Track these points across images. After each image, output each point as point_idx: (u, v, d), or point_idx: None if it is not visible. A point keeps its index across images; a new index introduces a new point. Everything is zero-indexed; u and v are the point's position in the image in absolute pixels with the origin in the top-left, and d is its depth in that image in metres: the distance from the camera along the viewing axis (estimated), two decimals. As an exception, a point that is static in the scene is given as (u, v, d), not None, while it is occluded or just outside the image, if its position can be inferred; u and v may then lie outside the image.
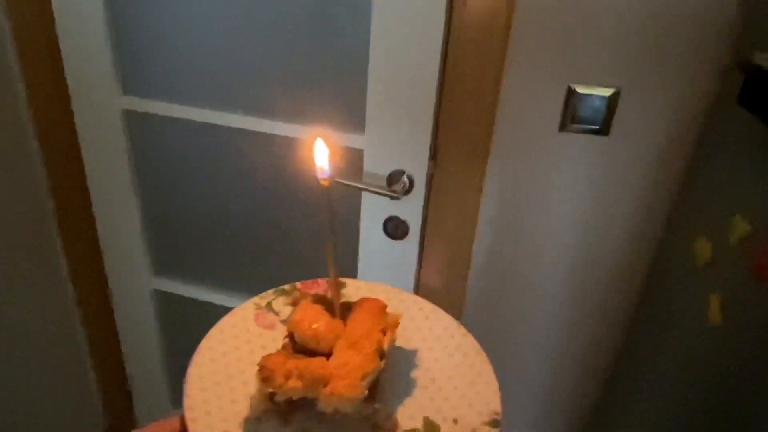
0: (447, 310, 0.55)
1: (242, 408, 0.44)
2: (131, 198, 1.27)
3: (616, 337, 1.07)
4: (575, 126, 0.89)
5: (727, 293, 0.65)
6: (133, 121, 1.19)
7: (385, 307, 0.48)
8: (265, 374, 0.42)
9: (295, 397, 0.43)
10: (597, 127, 0.88)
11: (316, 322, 0.46)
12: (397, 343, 0.51)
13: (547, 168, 0.95)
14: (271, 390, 0.42)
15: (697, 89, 0.83)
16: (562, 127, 0.91)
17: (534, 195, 0.98)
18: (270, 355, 0.44)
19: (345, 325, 0.47)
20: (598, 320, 1.07)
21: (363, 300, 0.49)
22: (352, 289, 0.57)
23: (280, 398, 0.42)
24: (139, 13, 1.06)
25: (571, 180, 0.95)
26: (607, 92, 0.85)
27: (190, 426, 0.41)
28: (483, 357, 0.49)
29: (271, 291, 0.55)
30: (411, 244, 1.04)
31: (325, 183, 0.43)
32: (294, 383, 0.42)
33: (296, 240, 1.18)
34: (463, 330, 0.52)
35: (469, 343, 0.51)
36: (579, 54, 0.85)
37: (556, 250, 1.02)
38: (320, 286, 0.56)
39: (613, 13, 0.81)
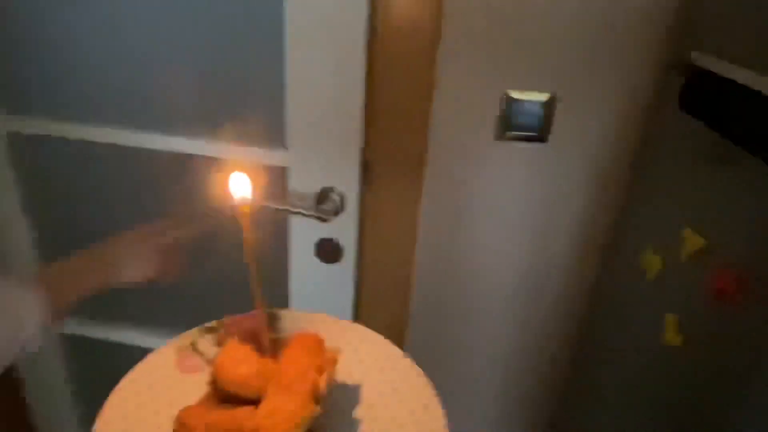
0: (389, 331, 0.52)
1: (159, 472, 0.38)
2: (23, 228, 1.12)
3: (566, 353, 1.06)
4: (512, 133, 0.88)
5: (684, 313, 0.63)
6: (18, 143, 1.06)
7: (323, 341, 0.44)
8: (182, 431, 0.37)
9: (219, 456, 0.37)
10: (534, 133, 0.87)
11: (244, 365, 0.41)
12: (339, 376, 0.46)
13: (486, 178, 0.93)
14: (190, 450, 0.37)
15: (635, 92, 0.84)
16: (499, 135, 0.89)
17: (474, 206, 0.95)
18: (189, 407, 0.38)
19: (276, 365, 0.42)
20: (548, 334, 1.06)
21: (297, 335, 0.44)
22: (288, 321, 0.52)
23: (202, 458, 0.37)
24: (24, 26, 0.95)
25: (511, 189, 0.93)
26: (542, 97, 0.85)
27: None
28: (429, 390, 0.45)
29: (195, 329, 0.50)
30: (346, 266, 0.97)
31: (245, 210, 0.38)
32: (217, 440, 0.36)
33: (220, 268, 1.09)
34: (408, 360, 0.48)
35: (414, 373, 0.47)
36: (513, 60, 0.83)
37: (499, 263, 0.99)
38: (252, 321, 0.51)
39: (545, 17, 0.80)
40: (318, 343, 0.43)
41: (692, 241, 0.60)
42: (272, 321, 0.51)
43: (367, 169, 0.91)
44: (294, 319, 0.52)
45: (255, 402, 0.39)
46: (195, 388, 0.44)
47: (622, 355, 0.82)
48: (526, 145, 0.89)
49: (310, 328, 0.50)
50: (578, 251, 0.99)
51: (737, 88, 0.54)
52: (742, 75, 0.54)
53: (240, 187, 0.38)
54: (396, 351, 0.49)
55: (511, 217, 0.96)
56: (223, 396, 0.41)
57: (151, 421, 0.41)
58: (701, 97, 0.61)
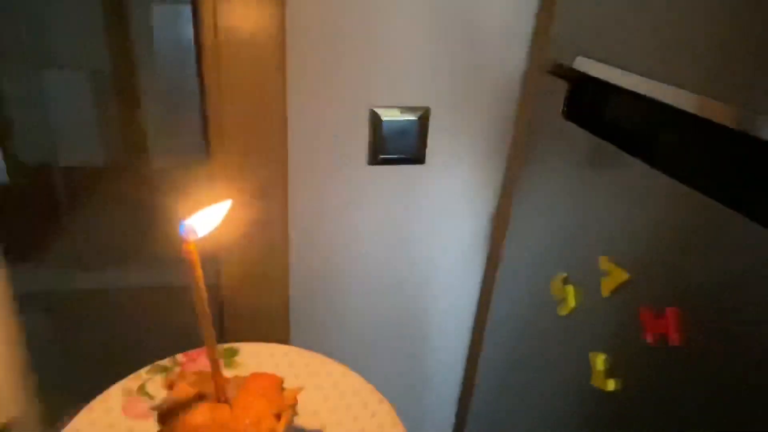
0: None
1: None
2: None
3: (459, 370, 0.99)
4: (384, 156, 0.80)
5: (613, 352, 0.55)
6: None
7: (281, 382, 0.41)
8: (120, 497, 0.33)
9: None
10: (408, 156, 0.80)
11: (195, 415, 0.37)
12: (302, 418, 0.43)
13: (357, 205, 0.82)
14: None
15: (510, 104, 0.78)
16: (372, 158, 0.81)
17: (345, 237, 0.85)
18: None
19: (231, 411, 0.38)
20: (438, 360, 1.00)
21: (253, 376, 0.41)
22: (247, 356, 0.48)
23: None
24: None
25: (386, 216, 0.84)
26: (413, 116, 0.76)
27: None
28: (400, 428, 0.42)
29: (144, 369, 0.46)
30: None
31: (190, 247, 0.34)
32: (160, 504, 0.33)
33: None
34: (378, 395, 0.45)
35: (385, 410, 0.44)
36: (378, 77, 0.74)
37: (375, 298, 0.90)
38: (203, 363, 0.47)
39: (405, 29, 0.72)
40: (276, 385, 0.40)
41: (614, 275, 0.54)
42: (229, 355, 0.47)
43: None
44: (254, 353, 0.48)
45: (206, 454, 0.36)
46: (144, 436, 0.41)
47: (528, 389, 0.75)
48: (402, 167, 0.81)
49: (270, 364, 0.47)
50: (464, 284, 0.93)
51: (616, 90, 0.53)
52: (617, 77, 0.53)
53: (190, 226, 0.35)
54: (366, 386, 0.46)
55: (386, 247, 0.88)
56: (172, 447, 0.37)
57: (91, 478, 0.37)
58: (584, 102, 0.59)
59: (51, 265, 1.97)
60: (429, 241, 0.88)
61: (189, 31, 2.28)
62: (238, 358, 0.48)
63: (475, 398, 0.93)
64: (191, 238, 0.35)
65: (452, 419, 1.07)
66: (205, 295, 0.37)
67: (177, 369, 0.46)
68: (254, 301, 0.87)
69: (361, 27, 0.72)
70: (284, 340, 0.90)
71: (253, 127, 0.75)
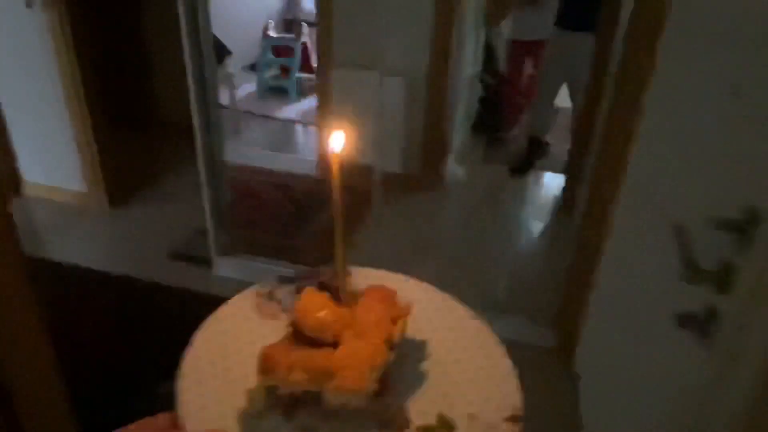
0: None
1: (241, 403, 0.40)
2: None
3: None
4: None
5: None
6: None
7: (395, 295, 0.45)
8: (266, 366, 0.39)
9: (298, 391, 0.39)
10: None
11: (322, 311, 0.43)
12: (407, 334, 0.47)
13: None
14: (272, 383, 0.39)
15: None
16: None
17: None
18: (272, 345, 0.41)
19: (352, 314, 0.43)
20: None
21: (372, 288, 0.45)
22: (359, 277, 0.53)
23: (282, 392, 0.39)
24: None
25: None
26: None
27: (185, 423, 0.37)
28: (501, 350, 0.46)
29: (272, 278, 0.52)
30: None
31: (336, 161, 0.39)
32: (297, 376, 0.38)
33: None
34: (478, 321, 0.49)
35: (485, 334, 0.48)
36: None
37: None
38: (327, 273, 0.53)
39: None
40: (391, 296, 0.45)
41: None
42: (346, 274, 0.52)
43: None
44: (365, 276, 0.53)
45: (331, 346, 0.41)
46: (272, 331, 0.47)
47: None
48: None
49: (383, 284, 0.52)
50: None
51: None
52: None
53: (336, 142, 0.39)
54: (468, 312, 0.49)
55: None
56: (302, 339, 0.43)
57: (232, 358, 0.44)
58: None
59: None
60: None
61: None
62: (351, 278, 0.53)
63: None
64: (335, 150, 0.39)
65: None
66: (340, 203, 0.41)
67: (300, 280, 0.51)
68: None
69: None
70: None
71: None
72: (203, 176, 2.31)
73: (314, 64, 4.49)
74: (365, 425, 0.40)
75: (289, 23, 5.22)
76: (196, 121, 2.18)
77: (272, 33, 4.88)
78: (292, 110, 4.56)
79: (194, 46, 2.06)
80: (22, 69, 2.78)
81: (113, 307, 2.40)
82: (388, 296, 0.44)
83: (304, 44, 4.76)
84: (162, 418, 0.37)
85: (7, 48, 2.76)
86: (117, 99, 3.51)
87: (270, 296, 0.51)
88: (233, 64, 4.36)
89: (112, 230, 3.01)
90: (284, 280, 0.52)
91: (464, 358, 0.46)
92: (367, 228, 2.89)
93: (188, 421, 0.37)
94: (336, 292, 0.46)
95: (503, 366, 0.45)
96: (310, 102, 4.48)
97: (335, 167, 0.39)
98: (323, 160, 3.21)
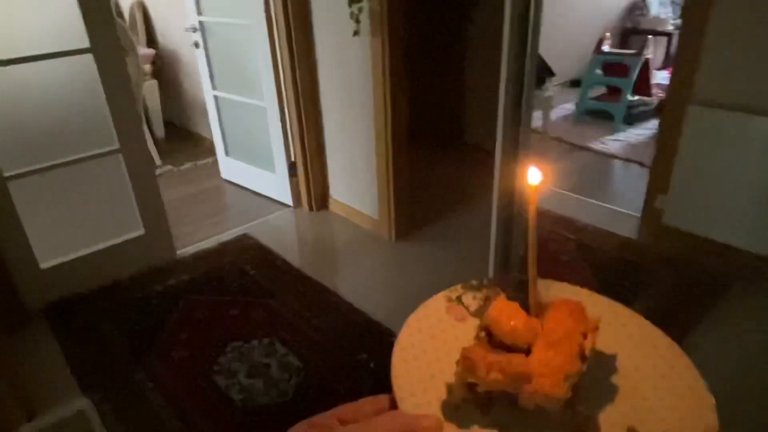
0: None
1: (442, 394, 0.46)
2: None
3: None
4: None
5: None
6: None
7: (585, 309, 0.47)
8: (468, 364, 0.44)
9: (495, 390, 0.44)
10: None
11: (514, 319, 0.47)
12: (596, 348, 0.49)
13: None
14: (472, 380, 0.44)
15: None
16: None
17: None
18: (472, 346, 0.46)
19: (542, 324, 0.47)
20: None
21: (562, 300, 0.48)
22: (541, 289, 0.56)
23: (481, 389, 0.44)
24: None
25: None
26: None
27: (399, 405, 0.44)
28: (694, 372, 0.46)
29: (459, 285, 0.57)
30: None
31: (534, 188, 0.43)
32: (496, 376, 0.43)
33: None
34: (668, 340, 0.49)
35: (676, 353, 0.48)
36: None
37: None
38: (507, 282, 0.56)
39: None
40: (581, 310, 0.47)
41: None
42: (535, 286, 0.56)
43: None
44: (546, 286, 0.56)
45: (523, 353, 0.45)
46: (462, 333, 0.52)
47: None
48: None
49: (565, 296, 0.54)
50: None
51: None
52: None
53: (534, 175, 0.44)
54: (655, 331, 0.50)
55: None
56: (494, 344, 0.47)
57: (432, 354, 0.50)
58: None
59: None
60: None
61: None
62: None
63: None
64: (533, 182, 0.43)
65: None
66: (535, 224, 0.45)
67: (486, 289, 0.56)
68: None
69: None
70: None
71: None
72: (495, 215, 1.86)
73: (653, 86, 3.72)
74: (556, 430, 0.43)
75: (627, 34, 4.41)
76: (498, 154, 1.79)
77: (606, 47, 4.11)
78: (614, 142, 3.66)
79: (516, 72, 1.70)
80: (345, 90, 3.02)
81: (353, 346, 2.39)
82: (578, 310, 0.47)
83: (646, 61, 3.90)
84: (383, 399, 0.44)
85: (337, 72, 3.01)
86: (422, 121, 3.47)
87: (458, 300, 0.56)
88: (553, 81, 3.75)
89: (389, 263, 3.01)
90: (471, 287, 0.57)
91: (654, 375, 0.46)
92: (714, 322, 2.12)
93: (402, 404, 0.44)
94: (524, 302, 0.49)
95: (697, 387, 0.44)
96: (639, 133, 3.61)
97: (533, 200, 0.43)
98: (649, 216, 2.55)
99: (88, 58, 2.50)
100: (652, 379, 0.46)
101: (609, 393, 0.46)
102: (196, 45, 3.61)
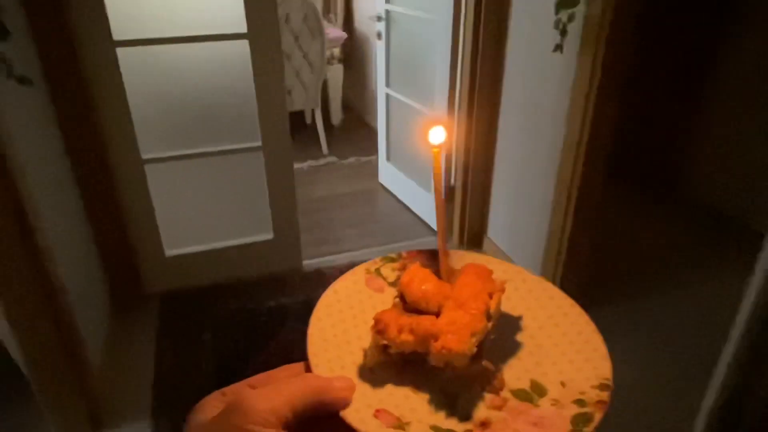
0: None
1: (358, 359, 0.47)
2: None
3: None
4: None
5: None
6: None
7: (491, 272, 0.50)
8: (379, 327, 0.45)
9: (407, 351, 0.45)
10: None
11: (425, 283, 0.48)
12: (502, 310, 0.52)
13: None
14: (384, 342, 0.45)
15: None
16: None
17: None
18: (384, 311, 0.47)
19: (452, 287, 0.49)
20: None
21: (469, 265, 0.50)
22: (455, 258, 0.58)
23: (393, 350, 0.45)
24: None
25: None
26: None
27: (314, 371, 0.45)
28: (592, 327, 0.49)
29: (378, 258, 0.59)
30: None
31: (437, 151, 0.45)
32: (406, 336, 0.45)
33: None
34: (570, 301, 0.52)
35: (577, 312, 0.51)
36: None
37: None
38: (428, 254, 0.58)
39: None
40: (488, 273, 0.50)
41: None
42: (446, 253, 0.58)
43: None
44: (461, 257, 0.58)
45: (434, 315, 0.47)
46: (380, 303, 0.53)
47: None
48: None
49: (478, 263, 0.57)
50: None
51: None
52: None
53: (436, 135, 0.45)
54: (559, 293, 0.53)
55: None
56: (408, 308, 0.49)
57: (349, 321, 0.51)
58: None
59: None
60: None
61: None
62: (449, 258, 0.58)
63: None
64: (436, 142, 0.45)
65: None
66: (441, 188, 0.47)
67: (403, 260, 0.58)
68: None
69: None
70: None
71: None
72: (740, 330, 1.13)
73: None
74: (465, 386, 0.46)
75: None
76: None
77: None
78: None
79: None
80: (530, 116, 2.40)
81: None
82: (484, 273, 0.49)
83: None
84: (297, 366, 0.45)
85: (526, 92, 2.41)
86: (620, 164, 2.53)
87: (377, 272, 0.57)
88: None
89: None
90: (389, 260, 0.59)
91: (556, 333, 0.49)
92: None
93: (317, 369, 0.45)
94: (437, 269, 0.51)
95: (594, 341, 0.48)
96: None
97: (437, 160, 0.45)
98: None
99: (244, 44, 2.28)
100: (554, 337, 0.49)
101: (514, 350, 0.49)
102: (378, 36, 3.29)
